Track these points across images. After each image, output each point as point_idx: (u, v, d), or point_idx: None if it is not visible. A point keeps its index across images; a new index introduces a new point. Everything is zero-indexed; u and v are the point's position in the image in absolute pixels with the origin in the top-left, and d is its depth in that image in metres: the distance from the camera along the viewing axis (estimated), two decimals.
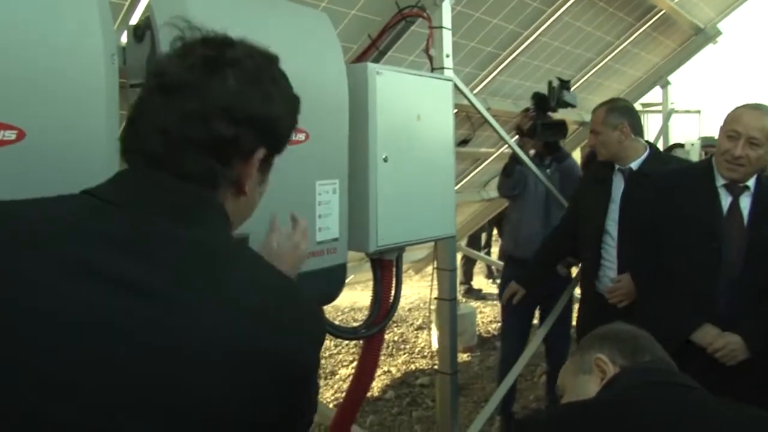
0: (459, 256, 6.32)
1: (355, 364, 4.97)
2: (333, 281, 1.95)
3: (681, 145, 5.56)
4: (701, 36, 5.29)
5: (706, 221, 2.39)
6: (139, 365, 0.75)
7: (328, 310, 5.47)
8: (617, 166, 3.00)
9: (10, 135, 1.18)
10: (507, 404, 3.95)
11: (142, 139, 0.90)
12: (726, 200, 2.41)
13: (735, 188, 2.40)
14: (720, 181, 2.42)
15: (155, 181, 0.88)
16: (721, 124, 2.44)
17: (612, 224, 2.95)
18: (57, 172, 1.22)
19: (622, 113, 2.97)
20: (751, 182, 2.41)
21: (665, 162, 3.06)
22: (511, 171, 3.75)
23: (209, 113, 0.87)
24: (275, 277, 0.93)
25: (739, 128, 2.32)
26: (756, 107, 2.38)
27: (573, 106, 3.91)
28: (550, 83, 3.80)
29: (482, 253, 7.68)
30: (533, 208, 3.80)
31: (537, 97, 3.75)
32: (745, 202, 2.39)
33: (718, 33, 5.28)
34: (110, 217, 0.84)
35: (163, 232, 0.84)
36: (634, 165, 2.95)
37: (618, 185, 2.98)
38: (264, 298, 0.85)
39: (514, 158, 3.67)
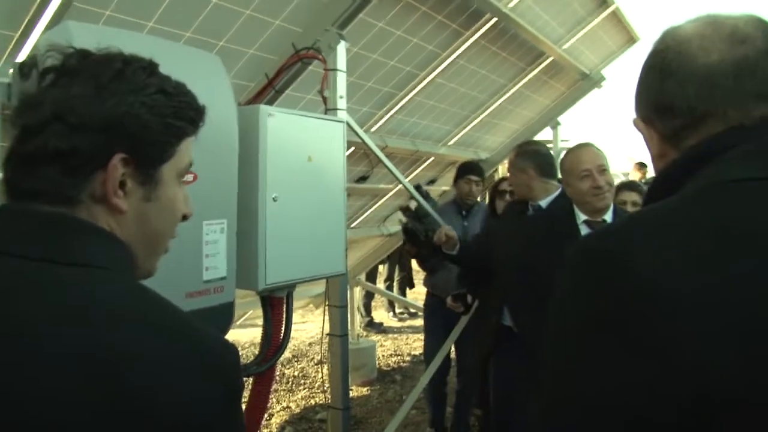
0: (358, 291, 6.37)
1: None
2: (220, 320, 1.95)
3: None
4: (587, 81, 5.61)
5: None
6: None
7: None
8: (530, 203, 3.19)
9: None
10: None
11: (2, 169, 0.86)
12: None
13: (594, 224, 2.64)
14: (581, 218, 2.68)
15: (12, 213, 0.84)
16: (561, 174, 2.81)
17: None
18: None
19: (527, 157, 3.14)
20: (608, 215, 2.68)
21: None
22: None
23: (43, 124, 0.82)
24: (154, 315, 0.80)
25: (587, 166, 2.65)
26: (584, 145, 2.77)
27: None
28: (401, 222, 3.71)
29: (384, 287, 7.78)
30: None
31: (409, 234, 3.66)
32: None
33: (602, 78, 5.62)
34: None
35: (21, 274, 0.77)
36: (543, 203, 3.11)
37: None
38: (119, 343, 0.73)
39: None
